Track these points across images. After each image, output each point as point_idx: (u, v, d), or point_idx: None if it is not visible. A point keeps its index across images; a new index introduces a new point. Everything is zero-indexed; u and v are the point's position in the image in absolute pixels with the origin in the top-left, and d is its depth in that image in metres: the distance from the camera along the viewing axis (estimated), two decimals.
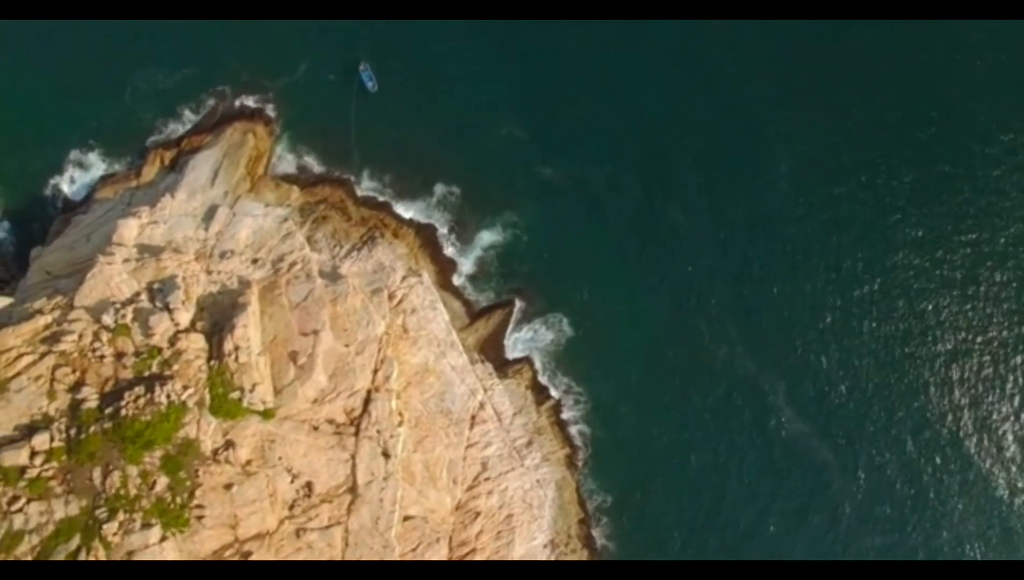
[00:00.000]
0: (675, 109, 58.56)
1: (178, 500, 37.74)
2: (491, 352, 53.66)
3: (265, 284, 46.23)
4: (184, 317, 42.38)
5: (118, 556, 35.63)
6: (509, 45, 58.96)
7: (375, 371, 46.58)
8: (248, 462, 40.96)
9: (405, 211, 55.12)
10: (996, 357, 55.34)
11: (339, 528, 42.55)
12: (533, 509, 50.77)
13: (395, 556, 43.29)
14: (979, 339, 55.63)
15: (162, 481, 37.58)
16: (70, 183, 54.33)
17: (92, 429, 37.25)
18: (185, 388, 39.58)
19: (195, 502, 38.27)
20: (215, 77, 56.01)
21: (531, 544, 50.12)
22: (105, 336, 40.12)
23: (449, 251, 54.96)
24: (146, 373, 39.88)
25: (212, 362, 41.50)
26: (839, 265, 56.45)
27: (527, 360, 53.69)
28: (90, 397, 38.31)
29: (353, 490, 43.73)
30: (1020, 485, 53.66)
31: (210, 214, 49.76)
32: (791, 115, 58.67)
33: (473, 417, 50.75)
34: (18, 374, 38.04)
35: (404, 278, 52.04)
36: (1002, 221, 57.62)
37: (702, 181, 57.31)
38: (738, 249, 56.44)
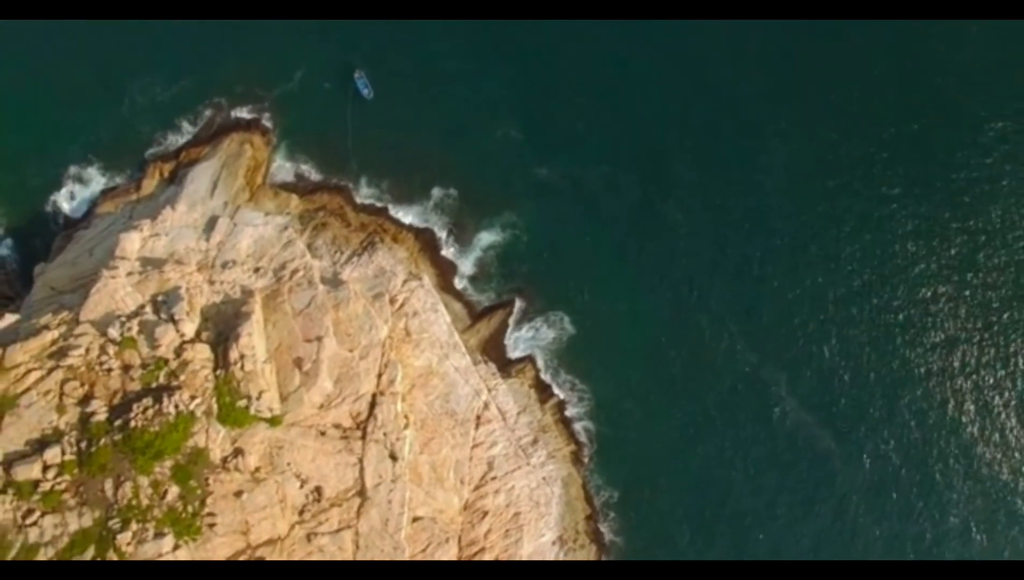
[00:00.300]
0: (671, 107, 58.94)
1: (189, 509, 38.15)
2: (493, 352, 54.05)
3: (268, 292, 46.61)
4: (189, 328, 42.77)
5: None
6: (503, 47, 59.24)
7: (379, 375, 46.96)
8: (257, 469, 41.37)
9: (404, 215, 55.48)
10: (996, 342, 55.69)
11: (349, 531, 42.97)
12: (540, 506, 51.15)
13: (405, 557, 43.70)
14: (978, 324, 56.01)
15: (173, 490, 37.98)
16: (70, 198, 54.57)
17: (102, 441, 37.61)
18: (192, 398, 39.97)
19: (206, 510, 38.65)
20: (211, 88, 56.28)
21: (539, 541, 50.50)
22: (112, 349, 40.48)
23: (449, 253, 55.32)
24: (153, 384, 40.23)
25: (218, 371, 41.87)
26: (837, 256, 56.85)
27: (529, 359, 54.04)
28: (99, 410, 38.68)
29: (362, 493, 44.18)
30: None
31: (211, 225, 50.13)
32: (787, 112, 59.10)
33: (478, 417, 51.13)
34: (27, 389, 38.36)
35: (405, 282, 52.41)
36: (997, 207, 58.11)
37: (699, 178, 57.63)
38: (737, 244, 56.83)
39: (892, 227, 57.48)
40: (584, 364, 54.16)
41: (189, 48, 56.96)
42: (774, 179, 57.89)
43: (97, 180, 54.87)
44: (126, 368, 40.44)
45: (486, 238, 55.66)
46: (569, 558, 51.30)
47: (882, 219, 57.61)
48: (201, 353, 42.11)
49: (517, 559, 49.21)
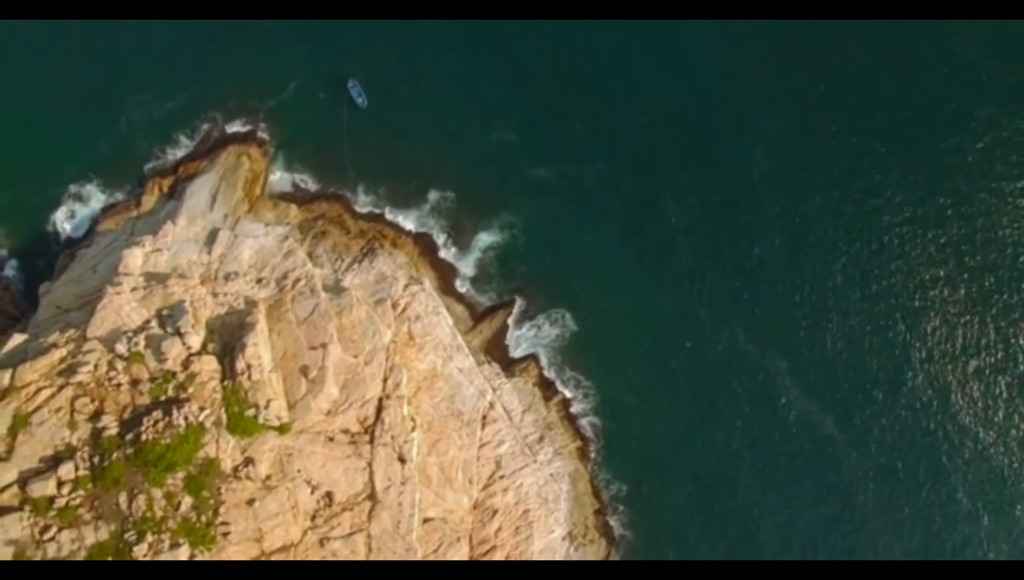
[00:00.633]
0: (666, 105, 59.14)
1: (203, 518, 38.66)
2: (496, 352, 54.46)
3: (271, 302, 47.05)
4: (195, 340, 43.22)
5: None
6: (495, 49, 59.52)
7: (385, 379, 47.38)
8: (268, 477, 41.84)
9: (403, 220, 55.87)
10: (997, 322, 55.99)
11: (361, 535, 43.42)
12: (549, 503, 51.58)
13: (418, 558, 44.14)
14: (977, 308, 56.31)
15: (186, 501, 38.50)
16: (71, 217, 54.86)
17: (115, 455, 38.12)
18: (202, 409, 40.43)
19: (220, 519, 39.17)
20: (207, 102, 56.62)
21: (549, 537, 50.93)
22: (120, 364, 40.93)
23: (448, 256, 55.65)
24: (162, 397, 40.72)
25: (226, 382, 42.32)
26: (835, 245, 57.14)
27: (533, 357, 54.39)
28: (110, 425, 39.18)
29: (372, 497, 44.63)
30: None
31: (212, 238, 50.57)
32: (780, 106, 59.44)
33: (484, 417, 51.51)
34: (39, 407, 38.86)
35: (406, 286, 52.82)
36: (990, 190, 58.43)
37: (695, 173, 57.90)
38: (734, 237, 57.09)
39: (888, 214, 57.82)
40: (587, 360, 54.51)
41: (184, 63, 57.36)
42: (769, 171, 58.21)
43: (97, 197, 55.18)
44: (135, 382, 40.91)
45: (485, 239, 56.04)
46: (580, 553, 51.74)
47: (878, 207, 57.94)
48: (208, 365, 42.56)
49: (528, 556, 49.62)
